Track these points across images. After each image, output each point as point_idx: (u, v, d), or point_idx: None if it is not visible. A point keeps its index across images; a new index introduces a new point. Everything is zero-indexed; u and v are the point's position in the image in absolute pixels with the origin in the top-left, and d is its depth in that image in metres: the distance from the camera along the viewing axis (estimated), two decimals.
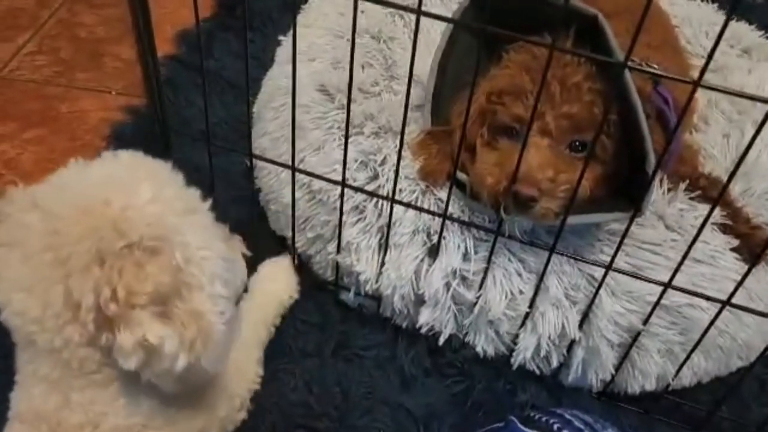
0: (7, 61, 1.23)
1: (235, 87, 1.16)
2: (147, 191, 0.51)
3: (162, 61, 1.20)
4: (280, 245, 0.91)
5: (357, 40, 0.99)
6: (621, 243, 0.65)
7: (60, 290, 0.47)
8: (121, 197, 0.50)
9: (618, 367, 0.75)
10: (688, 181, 0.82)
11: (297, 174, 0.76)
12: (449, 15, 0.82)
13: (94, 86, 1.19)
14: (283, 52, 1.06)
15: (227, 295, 0.55)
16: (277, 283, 0.83)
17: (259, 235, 0.89)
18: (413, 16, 0.59)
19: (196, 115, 1.10)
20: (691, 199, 0.81)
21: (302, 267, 0.87)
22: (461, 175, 0.73)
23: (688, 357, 0.73)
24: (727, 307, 0.66)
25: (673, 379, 0.76)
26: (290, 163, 0.75)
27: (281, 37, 1.09)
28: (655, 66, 0.82)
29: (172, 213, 0.52)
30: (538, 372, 0.78)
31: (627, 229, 0.64)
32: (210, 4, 1.39)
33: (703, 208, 0.79)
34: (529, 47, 0.73)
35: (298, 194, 0.80)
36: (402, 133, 0.67)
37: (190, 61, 1.21)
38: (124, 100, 1.15)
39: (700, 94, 1.02)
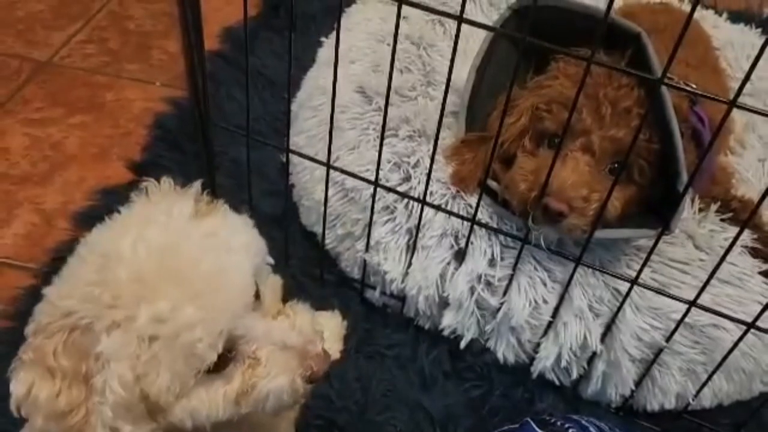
0: (58, 49, 1.27)
1: (275, 85, 1.19)
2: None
3: (206, 56, 1.23)
4: (310, 240, 0.92)
5: (397, 46, 1.01)
6: (648, 258, 0.65)
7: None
8: None
9: (638, 383, 0.75)
10: (720, 203, 0.82)
11: (331, 172, 0.78)
12: (488, 22, 0.84)
13: (139, 77, 1.23)
14: (323, 54, 1.08)
15: None
16: (326, 341, 0.79)
17: (289, 229, 0.91)
18: (454, 24, 0.60)
19: (236, 110, 1.13)
20: (723, 220, 0.81)
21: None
22: (492, 183, 0.74)
23: (709, 377, 0.73)
24: (752, 330, 0.66)
25: (693, 399, 0.75)
26: (325, 160, 0.77)
27: (323, 39, 1.11)
28: (693, 85, 0.82)
29: None
30: (557, 382, 0.79)
31: (654, 246, 0.65)
32: (255, 4, 1.42)
33: (734, 230, 0.79)
34: (579, 61, 0.73)
35: (331, 191, 0.82)
36: (436, 138, 0.68)
37: (232, 58, 1.24)
38: (168, 92, 1.19)
39: (738, 117, 1.01)
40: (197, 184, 0.53)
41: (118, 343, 0.43)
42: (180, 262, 0.46)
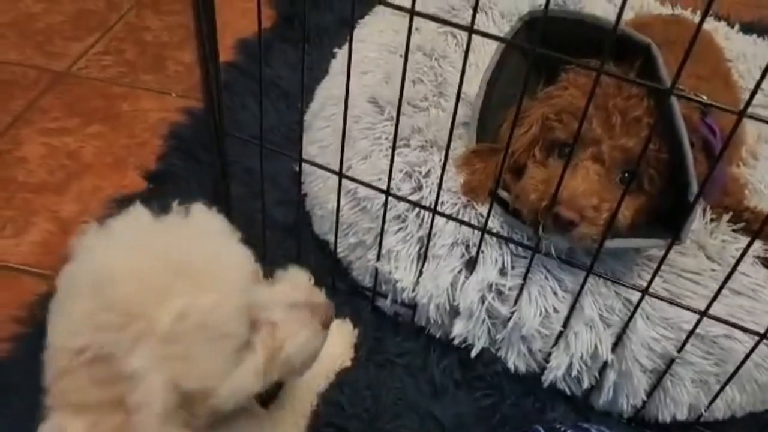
0: (76, 60, 1.29)
1: (289, 95, 1.20)
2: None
3: (220, 67, 1.25)
4: (322, 249, 0.93)
5: (409, 57, 1.02)
6: (659, 268, 0.65)
7: None
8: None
9: (650, 394, 0.75)
10: (732, 213, 0.82)
11: (343, 181, 0.79)
12: (499, 34, 0.85)
13: (155, 87, 1.25)
14: (336, 64, 1.09)
15: None
16: (335, 348, 0.80)
17: (302, 238, 0.91)
18: (465, 36, 0.61)
19: (250, 120, 1.14)
20: (735, 231, 0.81)
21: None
22: (503, 193, 0.75)
23: (722, 389, 0.72)
24: (765, 341, 0.66)
25: (705, 410, 0.75)
26: (338, 169, 0.78)
27: (336, 50, 1.12)
28: (704, 98, 0.82)
29: None
30: (568, 392, 0.79)
31: (665, 255, 0.65)
32: (269, 16, 1.44)
33: (746, 241, 0.78)
34: (589, 72, 0.74)
35: (343, 200, 0.83)
36: (447, 148, 0.69)
37: (246, 69, 1.26)
38: (183, 103, 1.20)
39: (751, 128, 1.01)
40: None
41: (147, 355, 0.44)
42: (173, 256, 0.47)
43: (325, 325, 0.54)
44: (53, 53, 1.30)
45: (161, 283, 0.45)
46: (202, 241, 0.49)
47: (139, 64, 1.31)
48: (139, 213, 0.52)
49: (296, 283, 0.55)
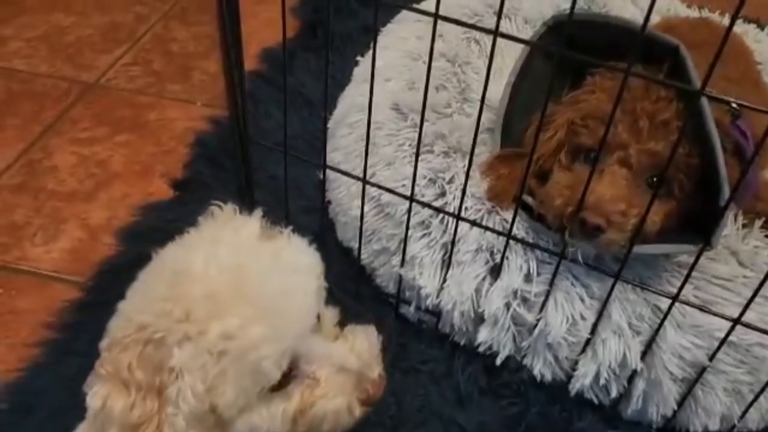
0: (105, 71, 1.32)
1: (312, 104, 1.21)
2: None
3: (246, 76, 1.26)
4: (346, 256, 0.93)
5: (433, 63, 1.02)
6: (689, 275, 0.64)
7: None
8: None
9: (680, 403, 0.73)
10: (764, 219, 0.80)
11: (367, 187, 0.79)
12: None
13: (181, 97, 1.27)
14: (360, 72, 1.09)
15: None
16: None
17: (326, 245, 0.92)
18: (489, 42, 0.61)
19: (274, 128, 1.15)
20: (767, 236, 0.79)
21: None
22: (527, 198, 0.74)
23: (756, 398, 0.70)
24: None
25: (738, 421, 0.73)
26: (362, 175, 0.78)
27: (359, 58, 1.13)
28: (733, 101, 0.80)
29: None
30: (596, 401, 0.77)
31: (695, 262, 0.63)
32: (293, 25, 1.45)
33: None
34: (615, 75, 0.73)
35: (366, 207, 0.83)
36: (471, 153, 0.68)
37: (271, 78, 1.27)
38: (208, 111, 1.22)
39: None
40: (259, 211, 0.56)
41: (189, 356, 0.45)
42: (249, 281, 0.48)
43: (365, 403, 0.53)
44: (83, 65, 1.33)
45: (225, 299, 0.46)
46: (284, 274, 0.49)
47: (165, 75, 1.33)
48: (245, 223, 0.53)
49: (359, 347, 0.54)
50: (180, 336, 0.45)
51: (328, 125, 1.06)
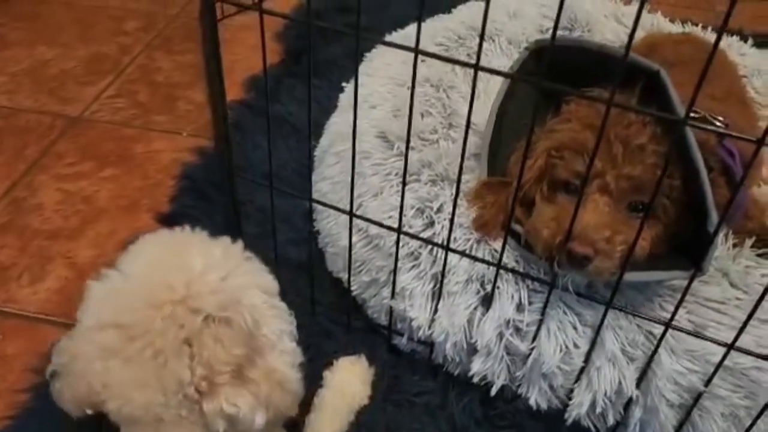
0: (89, 104, 1.31)
1: (300, 131, 1.21)
2: (199, 262, 0.55)
3: (232, 106, 1.26)
4: (337, 287, 0.92)
5: (417, 89, 1.01)
6: (681, 300, 0.63)
7: (169, 373, 0.52)
8: (179, 277, 0.54)
9: (678, 429, 0.72)
10: (755, 237, 0.80)
11: (354, 219, 0.78)
12: (510, 63, 0.84)
13: (167, 128, 1.26)
14: (345, 98, 1.09)
15: (294, 348, 0.59)
16: (353, 386, 0.80)
17: (316, 276, 0.91)
18: (472, 69, 0.60)
19: (262, 158, 1.14)
20: (759, 255, 0.79)
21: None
22: (516, 227, 0.74)
23: (753, 423, 0.69)
24: None
25: None
26: (348, 208, 0.77)
27: (344, 84, 1.12)
28: (720, 119, 0.80)
29: (230, 275, 0.56)
30: (593, 429, 0.76)
31: (687, 287, 0.63)
32: (278, 51, 1.45)
33: None
34: (591, 102, 0.73)
35: (355, 238, 0.82)
36: (458, 182, 0.67)
37: (257, 107, 1.27)
38: (194, 142, 1.21)
39: None
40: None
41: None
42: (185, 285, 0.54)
43: None
44: (67, 98, 1.32)
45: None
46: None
47: (151, 105, 1.32)
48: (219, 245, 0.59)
49: None
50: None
51: (315, 153, 1.05)
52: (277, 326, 0.58)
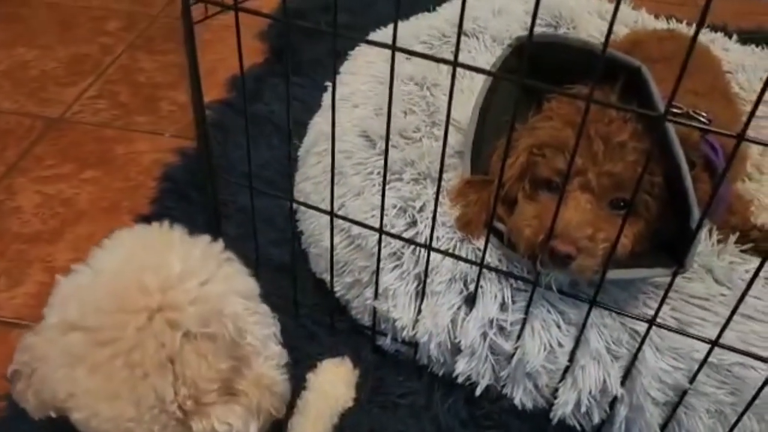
0: (70, 105, 1.29)
1: (283, 131, 1.19)
2: (176, 264, 0.52)
3: (214, 105, 1.25)
4: (320, 288, 0.91)
5: (401, 87, 1.01)
6: (664, 298, 0.63)
7: (147, 387, 0.49)
8: (154, 278, 0.50)
9: (664, 427, 0.72)
10: (738, 233, 0.79)
11: (336, 219, 0.77)
12: (493, 60, 0.83)
13: (149, 129, 1.24)
14: (328, 98, 1.08)
15: (279, 351, 0.58)
16: (337, 388, 0.79)
17: (300, 277, 0.89)
18: None
19: (244, 158, 1.11)
20: (743, 251, 0.78)
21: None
22: (498, 225, 0.73)
23: (738, 419, 0.69)
24: None
25: None
26: (329, 208, 0.76)
27: (327, 83, 1.11)
28: (703, 114, 0.80)
29: (209, 281, 0.53)
30: (578, 428, 0.76)
31: (670, 285, 0.62)
32: (261, 50, 1.44)
33: (756, 262, 0.76)
34: (572, 99, 0.72)
35: (337, 239, 0.81)
36: (439, 182, 0.67)
37: (240, 105, 1.25)
38: (177, 143, 1.20)
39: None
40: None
41: None
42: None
43: None
44: (47, 100, 1.30)
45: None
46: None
47: (132, 106, 1.30)
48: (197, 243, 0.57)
49: None
50: None
51: (299, 153, 1.04)
52: (260, 332, 0.56)
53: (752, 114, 0.51)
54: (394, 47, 0.60)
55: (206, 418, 0.51)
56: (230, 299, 0.54)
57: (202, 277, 0.53)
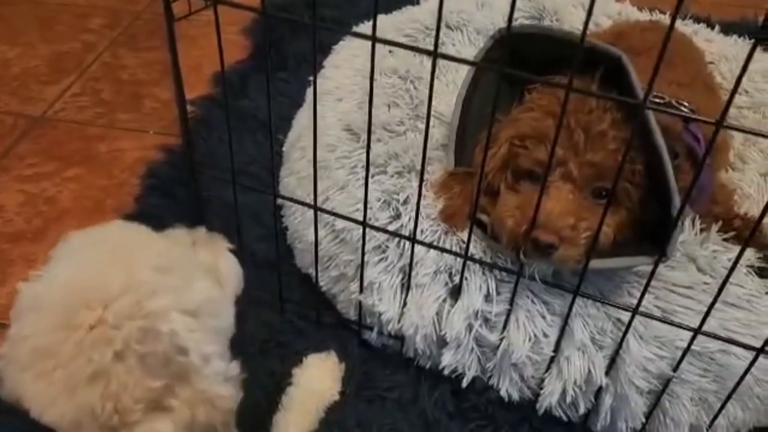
0: (52, 103, 1.28)
1: (267, 126, 1.18)
2: (122, 276, 0.51)
3: (199, 102, 1.24)
4: (306, 283, 0.91)
5: (385, 80, 1.00)
6: (647, 286, 0.63)
7: (79, 399, 0.49)
8: (98, 293, 0.50)
9: (648, 415, 0.72)
10: (721, 222, 0.80)
11: (320, 213, 0.77)
12: (476, 52, 0.83)
13: (133, 126, 1.24)
14: (311, 93, 1.07)
15: (225, 367, 0.57)
16: (323, 383, 0.79)
17: (286, 272, 0.89)
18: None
19: (228, 153, 1.12)
20: (725, 240, 0.79)
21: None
22: (482, 216, 0.73)
23: (722, 406, 0.69)
24: (763, 354, 0.63)
25: (707, 430, 0.72)
26: (313, 202, 0.76)
27: (311, 78, 1.11)
28: (686, 104, 0.80)
29: (154, 295, 0.52)
30: (565, 418, 0.76)
31: (652, 273, 0.62)
32: (246, 46, 1.43)
33: (738, 251, 0.76)
34: (553, 90, 0.72)
35: (321, 233, 0.81)
36: (422, 174, 0.66)
37: (224, 102, 1.24)
38: (160, 140, 1.19)
39: (737, 132, 0.99)
40: None
41: None
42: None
43: None
44: (29, 98, 1.29)
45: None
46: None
47: (116, 104, 1.29)
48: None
49: None
50: None
51: (284, 148, 1.04)
52: (204, 348, 0.54)
53: (730, 101, 0.52)
54: (374, 38, 0.59)
55: None
56: (170, 316, 0.52)
57: (146, 290, 0.52)
